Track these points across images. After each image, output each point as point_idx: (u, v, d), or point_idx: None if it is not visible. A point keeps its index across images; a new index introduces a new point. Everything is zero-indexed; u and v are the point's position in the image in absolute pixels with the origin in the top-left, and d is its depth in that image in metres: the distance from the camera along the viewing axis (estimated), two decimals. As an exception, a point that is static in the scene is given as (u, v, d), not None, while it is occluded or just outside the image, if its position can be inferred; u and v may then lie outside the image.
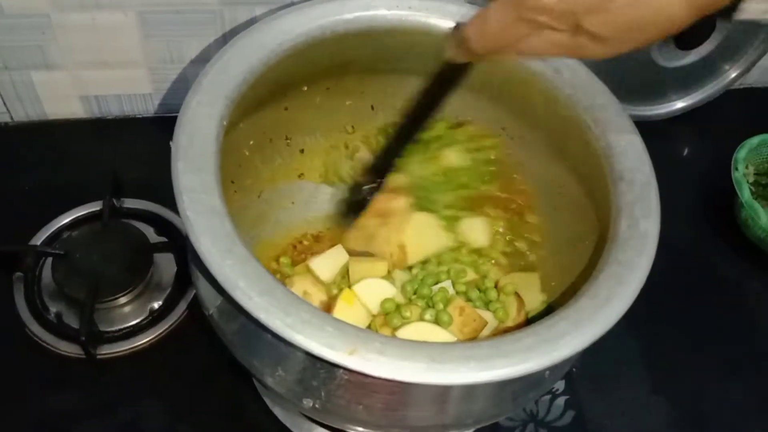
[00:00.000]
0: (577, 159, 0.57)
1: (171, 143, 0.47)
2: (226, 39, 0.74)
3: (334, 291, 0.62)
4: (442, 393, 0.47)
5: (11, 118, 0.79)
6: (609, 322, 0.44)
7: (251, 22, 0.72)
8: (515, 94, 0.60)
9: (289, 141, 0.66)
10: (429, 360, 0.41)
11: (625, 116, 0.54)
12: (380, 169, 0.60)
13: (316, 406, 0.47)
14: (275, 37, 0.54)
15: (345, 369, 0.41)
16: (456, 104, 0.64)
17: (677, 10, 0.37)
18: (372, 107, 0.67)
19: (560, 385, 0.66)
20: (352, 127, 0.67)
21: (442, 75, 0.50)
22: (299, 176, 0.68)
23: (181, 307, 0.68)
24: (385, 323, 0.59)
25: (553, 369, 0.48)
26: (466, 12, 0.58)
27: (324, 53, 0.58)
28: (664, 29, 0.38)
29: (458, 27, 0.46)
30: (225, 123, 0.50)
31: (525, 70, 0.57)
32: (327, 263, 0.64)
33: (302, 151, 0.67)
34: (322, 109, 0.64)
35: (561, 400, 0.65)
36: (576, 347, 0.43)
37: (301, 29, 0.55)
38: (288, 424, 0.62)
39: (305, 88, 0.62)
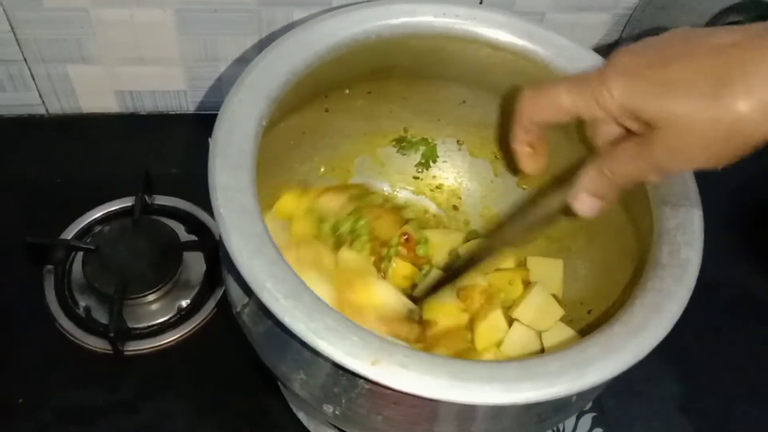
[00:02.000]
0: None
1: (209, 139, 0.47)
2: (262, 40, 0.73)
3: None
4: (463, 411, 0.46)
5: (46, 110, 0.80)
6: (641, 352, 0.43)
7: (289, 25, 0.72)
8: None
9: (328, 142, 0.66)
10: (451, 377, 0.40)
11: None
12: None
13: (336, 412, 0.47)
14: (319, 38, 0.54)
15: (366, 379, 0.41)
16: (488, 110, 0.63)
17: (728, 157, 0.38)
18: (414, 113, 0.66)
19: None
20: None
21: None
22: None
23: (209, 307, 0.68)
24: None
25: (581, 394, 0.47)
26: (516, 23, 0.57)
27: (368, 57, 0.57)
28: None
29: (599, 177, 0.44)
30: (265, 123, 0.49)
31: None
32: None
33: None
34: (363, 112, 0.64)
35: (588, 418, 0.65)
36: (605, 375, 0.42)
37: (346, 32, 0.55)
38: (312, 430, 0.62)
39: (347, 91, 0.61)
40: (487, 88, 0.61)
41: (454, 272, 0.59)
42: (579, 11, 0.77)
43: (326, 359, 0.41)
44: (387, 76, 0.61)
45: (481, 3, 0.73)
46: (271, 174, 0.59)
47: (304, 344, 0.41)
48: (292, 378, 0.48)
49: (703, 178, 0.52)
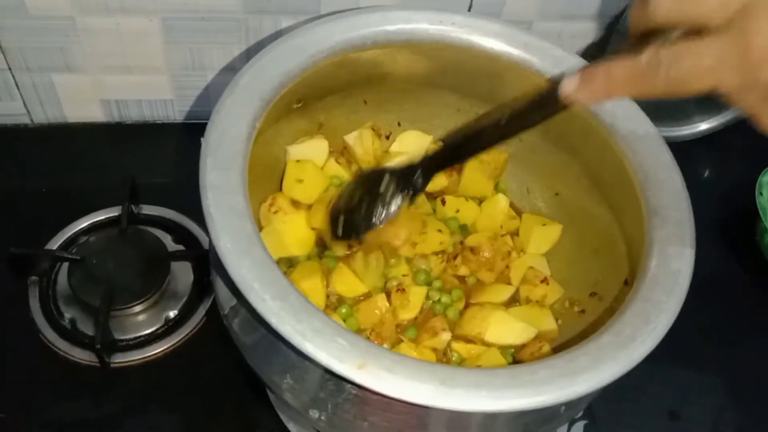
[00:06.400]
0: (612, 189, 0.56)
1: (202, 139, 0.47)
2: (250, 49, 0.73)
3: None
4: (450, 419, 0.46)
5: (31, 119, 0.79)
6: (631, 362, 0.43)
7: (277, 33, 0.72)
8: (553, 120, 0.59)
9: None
10: (439, 383, 0.40)
11: (665, 149, 0.53)
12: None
13: (323, 418, 0.47)
14: (315, 43, 0.54)
15: (352, 383, 0.41)
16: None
17: None
18: (405, 121, 0.67)
19: (578, 409, 0.65)
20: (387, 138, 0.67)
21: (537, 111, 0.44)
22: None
23: (197, 317, 0.67)
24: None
25: (569, 404, 0.47)
26: (511, 33, 0.57)
27: (363, 63, 0.57)
28: None
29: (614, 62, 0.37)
30: (258, 124, 0.50)
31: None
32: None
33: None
34: (358, 119, 0.64)
35: (579, 426, 0.65)
36: (594, 385, 0.42)
37: (342, 37, 0.55)
38: (301, 441, 0.62)
39: (341, 97, 0.61)
40: (481, 96, 0.61)
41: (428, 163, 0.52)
42: (565, 20, 0.77)
43: (312, 362, 0.41)
44: (381, 82, 0.61)
45: (469, 10, 0.73)
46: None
47: (291, 347, 0.40)
48: (279, 383, 0.48)
49: (690, 185, 0.52)
